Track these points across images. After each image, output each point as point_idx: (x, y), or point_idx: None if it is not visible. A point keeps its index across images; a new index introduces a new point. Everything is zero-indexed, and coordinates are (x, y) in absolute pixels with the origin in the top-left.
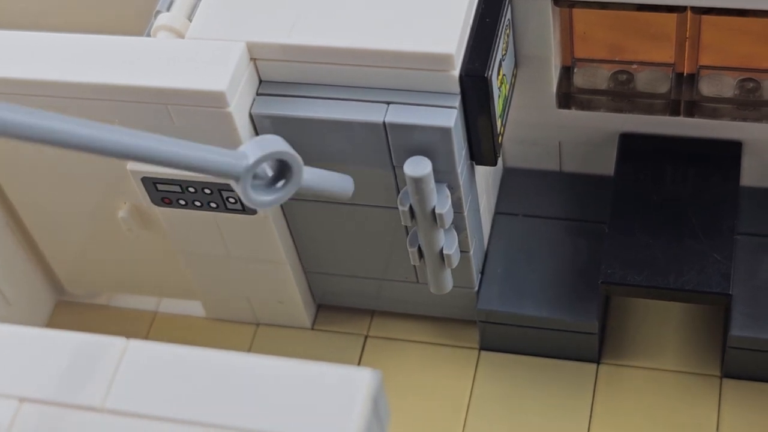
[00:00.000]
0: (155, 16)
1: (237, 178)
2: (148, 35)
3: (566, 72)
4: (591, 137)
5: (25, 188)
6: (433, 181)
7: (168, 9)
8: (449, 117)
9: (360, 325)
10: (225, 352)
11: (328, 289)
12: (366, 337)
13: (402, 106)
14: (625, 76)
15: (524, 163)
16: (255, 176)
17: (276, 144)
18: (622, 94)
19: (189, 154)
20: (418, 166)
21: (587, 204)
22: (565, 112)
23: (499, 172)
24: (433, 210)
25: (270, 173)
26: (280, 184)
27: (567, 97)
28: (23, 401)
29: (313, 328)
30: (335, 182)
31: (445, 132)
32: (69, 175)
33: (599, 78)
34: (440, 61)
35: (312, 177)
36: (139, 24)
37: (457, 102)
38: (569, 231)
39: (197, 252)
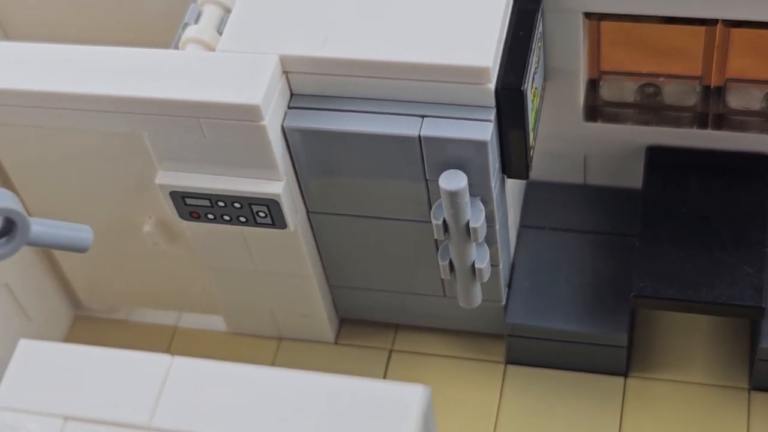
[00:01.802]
0: (183, 29)
1: None
2: (176, 48)
3: (592, 85)
4: (617, 150)
5: (46, 202)
6: (468, 194)
7: (196, 21)
8: (485, 130)
9: (384, 340)
10: (271, 369)
11: (351, 303)
12: (391, 351)
13: (437, 119)
14: (651, 89)
15: (548, 176)
16: None
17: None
18: (649, 107)
19: None
20: (453, 180)
21: (613, 217)
22: (592, 124)
23: (523, 185)
24: (467, 224)
25: None
26: (3, 240)
27: (594, 110)
28: (68, 419)
29: (336, 343)
30: (70, 238)
31: (481, 145)
32: (92, 189)
33: (626, 91)
34: (477, 74)
35: (43, 230)
36: (159, 35)
37: (492, 115)
38: (595, 244)
39: (223, 266)
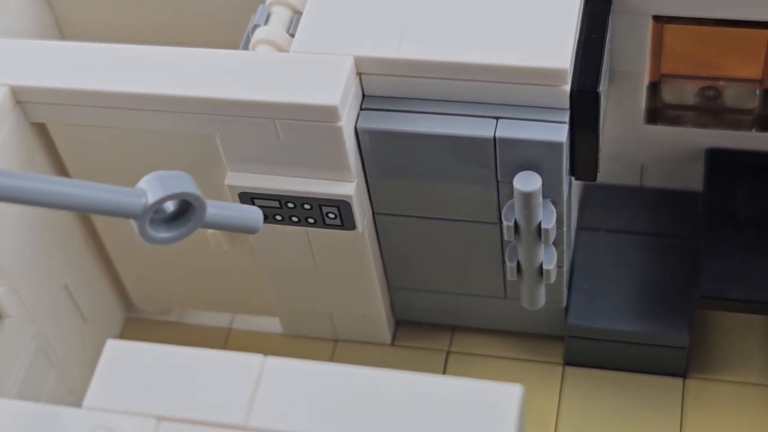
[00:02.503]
0: (252, 30)
1: (135, 217)
2: (245, 49)
3: (653, 88)
4: (675, 152)
5: None
6: (541, 196)
7: (265, 23)
8: (560, 132)
9: (441, 341)
10: (362, 368)
11: (409, 304)
12: (448, 352)
13: (511, 121)
14: (711, 92)
15: (605, 178)
16: (155, 211)
17: (180, 184)
18: (709, 110)
19: (85, 194)
20: (528, 181)
21: (669, 219)
22: (652, 127)
23: (579, 187)
24: (538, 225)
25: (171, 209)
26: (180, 221)
27: (655, 113)
28: (161, 420)
29: (393, 344)
30: (242, 218)
31: (556, 147)
32: None
33: (686, 94)
34: (553, 76)
35: (217, 213)
36: (217, 36)
37: (567, 117)
38: (652, 246)
39: (284, 267)
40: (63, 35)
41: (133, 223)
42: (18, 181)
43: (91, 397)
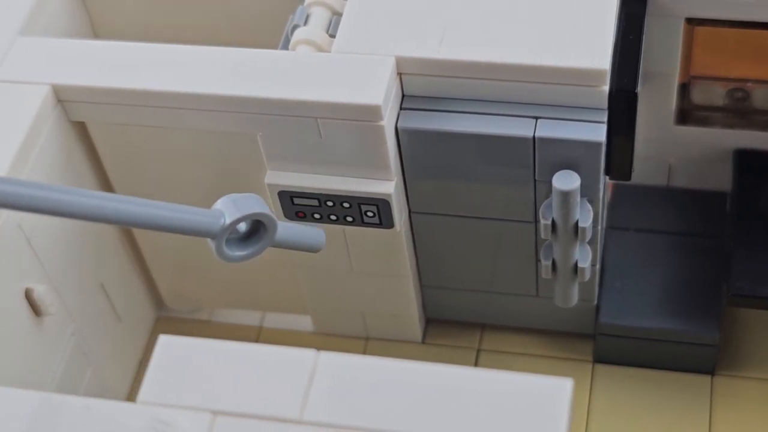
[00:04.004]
0: (291, 31)
1: (213, 237)
2: (284, 49)
3: (682, 89)
4: (703, 153)
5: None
6: (579, 195)
7: (305, 23)
8: (599, 132)
9: (471, 339)
10: (413, 362)
11: (440, 302)
12: (478, 350)
13: (550, 120)
14: (740, 94)
15: (633, 178)
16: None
17: (254, 205)
18: (738, 111)
19: (166, 215)
20: (567, 180)
21: (697, 219)
22: (682, 128)
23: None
24: (575, 224)
25: (244, 229)
26: (253, 239)
27: (685, 114)
28: (217, 414)
29: (424, 342)
30: (308, 238)
31: (595, 146)
32: (192, 189)
33: (715, 95)
34: (593, 76)
35: (285, 233)
36: (251, 35)
37: (605, 117)
38: (680, 245)
39: (318, 266)
40: (97, 37)
41: (210, 242)
42: (100, 201)
43: (145, 392)
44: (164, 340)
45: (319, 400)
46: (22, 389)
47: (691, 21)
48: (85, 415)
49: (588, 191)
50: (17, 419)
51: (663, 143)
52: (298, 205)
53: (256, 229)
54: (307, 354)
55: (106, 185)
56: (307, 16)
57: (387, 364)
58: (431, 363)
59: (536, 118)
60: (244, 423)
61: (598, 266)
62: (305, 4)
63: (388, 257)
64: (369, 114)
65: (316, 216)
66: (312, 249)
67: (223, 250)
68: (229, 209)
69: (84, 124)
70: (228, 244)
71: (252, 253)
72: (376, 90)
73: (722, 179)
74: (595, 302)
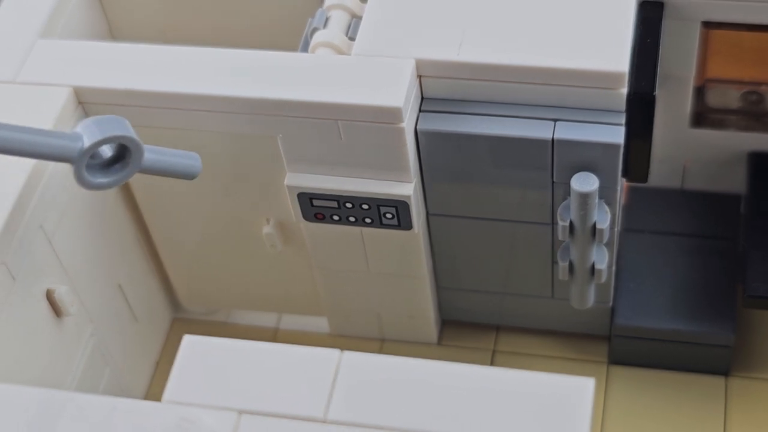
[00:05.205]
0: (311, 34)
1: (72, 162)
2: (304, 51)
3: (697, 92)
4: (718, 155)
5: (160, 205)
6: (597, 196)
7: (324, 26)
8: (618, 134)
9: (486, 340)
10: (436, 362)
11: (455, 304)
12: (494, 351)
13: (568, 123)
14: (755, 97)
15: (648, 181)
16: (92, 156)
17: (116, 127)
18: (752, 114)
19: (21, 138)
20: (586, 182)
21: (711, 221)
22: (697, 131)
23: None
24: (593, 225)
25: (108, 154)
26: (118, 166)
27: (700, 117)
28: (242, 413)
29: (439, 344)
30: (181, 164)
31: (614, 149)
32: (213, 191)
33: (729, 98)
34: (612, 79)
35: (155, 157)
36: (273, 39)
37: (623, 119)
38: (695, 247)
39: (335, 267)
40: (115, 39)
41: (69, 167)
42: None
43: (170, 391)
44: (189, 340)
45: (342, 399)
46: (46, 389)
47: (707, 24)
48: (112, 415)
49: (605, 193)
50: (43, 419)
51: (678, 146)
52: (317, 206)
53: (122, 154)
54: (331, 353)
55: (125, 186)
56: (327, 19)
57: (410, 363)
58: (453, 363)
59: (555, 120)
60: (269, 422)
61: (613, 268)
62: (324, 6)
63: (405, 259)
64: (389, 116)
65: (335, 218)
66: (186, 176)
67: (84, 176)
68: (90, 131)
69: None
70: (90, 170)
71: (116, 180)
72: (397, 92)
73: (737, 181)
74: (611, 304)
